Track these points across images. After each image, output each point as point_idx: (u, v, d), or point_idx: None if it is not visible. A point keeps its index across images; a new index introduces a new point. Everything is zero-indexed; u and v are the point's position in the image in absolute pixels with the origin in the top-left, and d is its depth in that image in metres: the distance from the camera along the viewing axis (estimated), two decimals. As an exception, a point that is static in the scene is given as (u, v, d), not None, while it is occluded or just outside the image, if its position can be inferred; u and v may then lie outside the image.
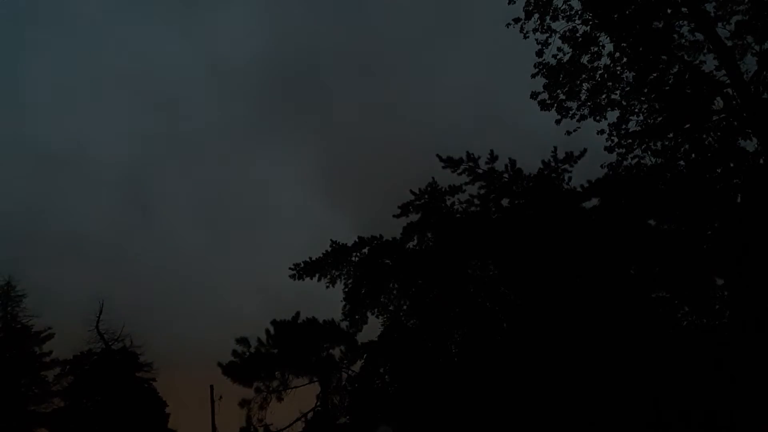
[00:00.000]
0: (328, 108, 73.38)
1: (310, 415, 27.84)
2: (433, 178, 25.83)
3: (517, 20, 19.31)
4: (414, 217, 26.00)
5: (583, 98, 19.42)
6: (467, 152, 25.07)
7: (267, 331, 28.45)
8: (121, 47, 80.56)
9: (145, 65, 79.50)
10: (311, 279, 27.22)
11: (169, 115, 75.37)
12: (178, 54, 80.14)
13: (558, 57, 19.28)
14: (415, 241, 26.34)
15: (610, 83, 19.29)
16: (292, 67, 76.22)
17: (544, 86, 19.55)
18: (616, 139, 19.80)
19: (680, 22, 18.78)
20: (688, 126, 18.94)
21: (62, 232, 57.14)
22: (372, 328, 26.89)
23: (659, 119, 19.30)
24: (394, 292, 26.61)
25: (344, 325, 27.39)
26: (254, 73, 75.09)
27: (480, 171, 25.00)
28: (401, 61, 74.11)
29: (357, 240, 26.81)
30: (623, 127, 19.66)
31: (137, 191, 68.56)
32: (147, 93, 78.57)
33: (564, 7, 19.05)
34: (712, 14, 18.33)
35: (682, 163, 19.76)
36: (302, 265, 27.19)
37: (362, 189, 62.96)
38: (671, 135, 19.34)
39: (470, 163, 25.01)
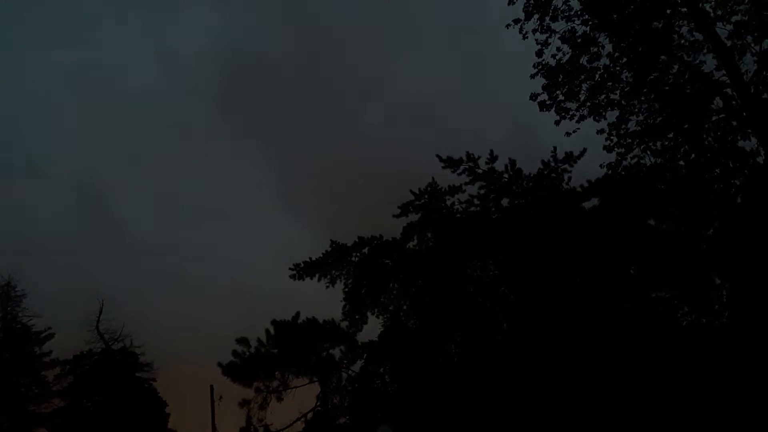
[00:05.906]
0: (288, 109, 73.07)
1: (310, 415, 27.82)
2: (433, 178, 25.92)
3: (516, 21, 19.30)
4: (414, 217, 26.07)
5: (582, 98, 19.42)
6: (467, 152, 25.19)
7: (267, 331, 28.42)
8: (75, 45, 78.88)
9: (98, 64, 77.91)
10: (311, 279, 27.34)
11: (122, 117, 74.15)
12: (130, 53, 79.23)
13: (557, 57, 19.30)
14: (415, 241, 26.39)
15: (610, 83, 19.26)
16: (249, 66, 75.08)
17: (544, 87, 19.53)
18: (615, 139, 19.81)
19: (680, 22, 18.77)
20: (687, 126, 18.91)
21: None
22: (372, 328, 26.99)
23: (659, 119, 19.30)
24: (394, 292, 26.66)
25: (344, 325, 27.44)
26: (210, 72, 74.31)
27: (480, 171, 25.06)
28: (362, 62, 73.52)
29: (357, 240, 26.86)
30: (623, 127, 19.66)
31: (91, 195, 66.73)
32: (99, 93, 76.49)
33: (563, 7, 19.03)
34: (712, 14, 18.30)
35: (681, 163, 19.74)
36: (302, 265, 27.24)
37: (320, 191, 62.76)
38: (671, 135, 19.33)
39: (470, 163, 25.07)
